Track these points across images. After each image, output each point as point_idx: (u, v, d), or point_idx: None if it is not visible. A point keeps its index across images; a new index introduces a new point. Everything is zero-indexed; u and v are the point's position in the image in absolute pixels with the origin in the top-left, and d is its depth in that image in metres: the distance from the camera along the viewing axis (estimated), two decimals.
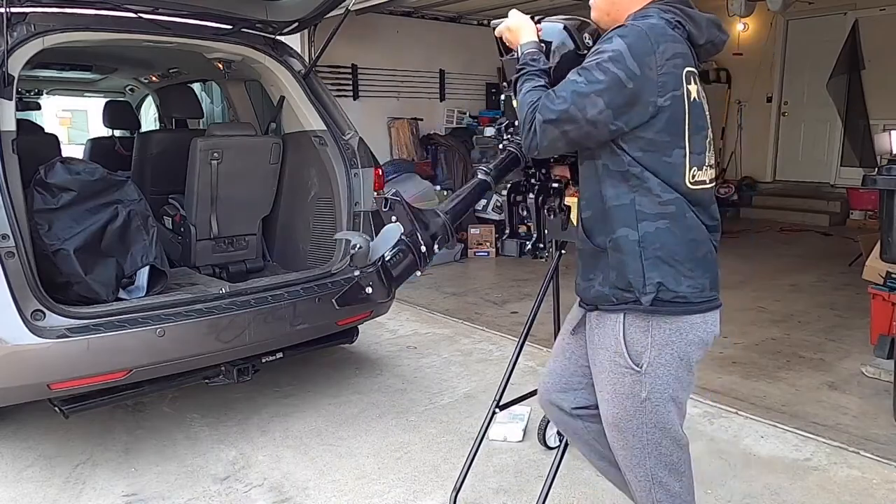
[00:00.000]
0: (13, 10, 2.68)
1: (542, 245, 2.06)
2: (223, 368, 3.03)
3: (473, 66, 8.04)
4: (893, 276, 3.72)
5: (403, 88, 7.46)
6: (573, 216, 2.04)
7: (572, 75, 1.60)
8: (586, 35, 1.82)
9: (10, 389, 2.59)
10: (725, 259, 7.26)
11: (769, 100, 9.75)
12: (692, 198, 1.63)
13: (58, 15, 2.85)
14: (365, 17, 6.59)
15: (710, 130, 1.69)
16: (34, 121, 5.84)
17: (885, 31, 8.28)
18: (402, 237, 1.70)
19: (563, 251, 2.68)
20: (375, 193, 3.53)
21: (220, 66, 3.98)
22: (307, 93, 3.56)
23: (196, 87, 5.23)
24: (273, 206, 4.00)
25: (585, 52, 1.72)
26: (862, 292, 4.22)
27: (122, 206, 3.12)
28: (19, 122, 2.73)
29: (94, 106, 7.38)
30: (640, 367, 1.67)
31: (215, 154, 3.55)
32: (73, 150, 6.33)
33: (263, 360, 3.12)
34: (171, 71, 4.84)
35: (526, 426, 3.12)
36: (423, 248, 1.74)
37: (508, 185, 2.06)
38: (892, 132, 6.29)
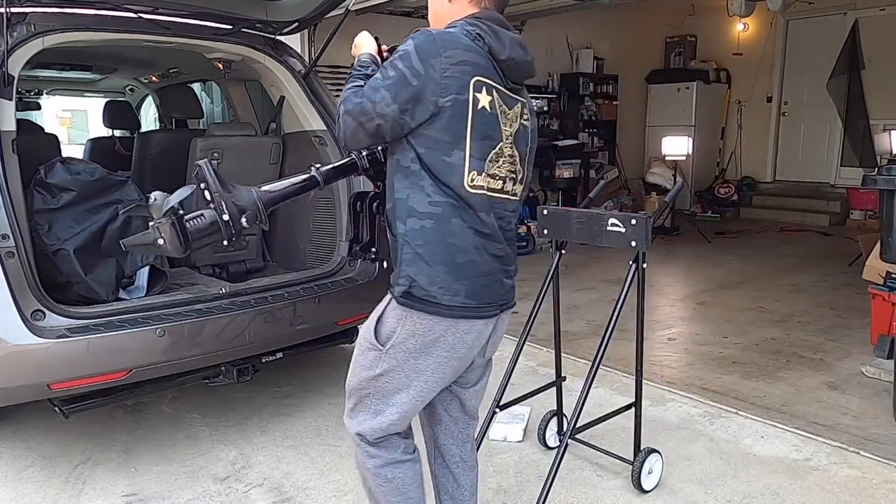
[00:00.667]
0: (13, 10, 2.68)
1: (358, 246, 2.13)
2: (223, 368, 3.03)
3: None
4: (893, 276, 3.72)
5: None
6: None
7: (376, 73, 1.73)
8: None
9: (10, 389, 2.58)
10: (725, 259, 7.32)
11: (769, 100, 9.75)
12: (468, 201, 1.70)
13: (58, 15, 2.85)
14: (365, 17, 6.59)
15: (507, 145, 1.75)
16: (34, 121, 5.83)
17: (885, 31, 8.28)
18: (208, 202, 1.77)
19: (563, 251, 2.68)
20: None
21: (220, 66, 3.98)
22: (307, 93, 3.56)
23: (196, 87, 5.23)
24: None
25: None
26: (862, 292, 4.22)
27: (122, 206, 3.12)
28: (19, 122, 2.73)
29: (94, 106, 7.37)
30: (383, 347, 1.76)
31: (215, 154, 3.55)
32: (73, 150, 6.33)
33: (263, 361, 3.11)
34: (171, 71, 4.84)
35: (526, 426, 3.12)
36: (227, 217, 1.77)
37: (354, 195, 2.13)
38: (892, 132, 6.32)
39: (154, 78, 5.22)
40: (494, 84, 1.70)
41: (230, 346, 2.91)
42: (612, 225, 2.44)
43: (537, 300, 2.64)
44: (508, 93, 1.75)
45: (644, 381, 2.70)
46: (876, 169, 3.87)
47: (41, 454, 2.98)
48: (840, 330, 4.57)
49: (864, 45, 8.41)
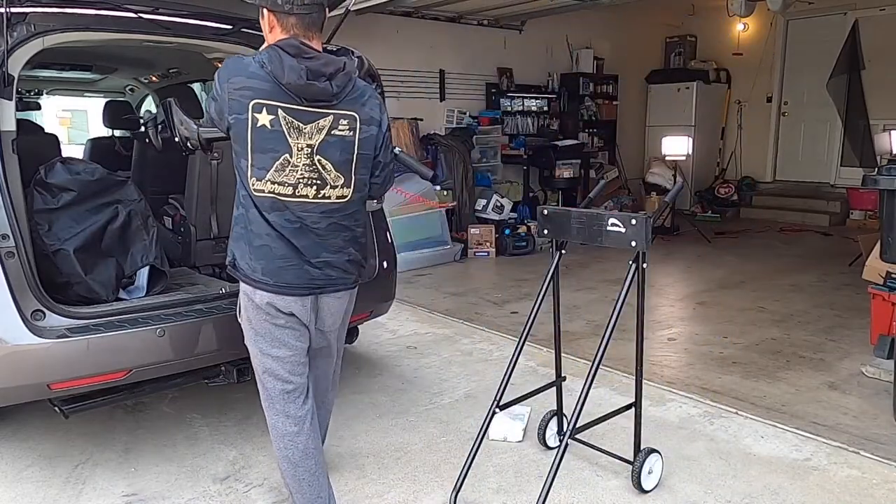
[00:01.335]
0: (13, 10, 2.67)
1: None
2: (223, 368, 3.02)
3: (473, 66, 8.04)
4: (893, 276, 3.72)
5: (403, 88, 7.46)
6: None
7: None
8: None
9: (10, 389, 2.58)
10: (725, 259, 7.33)
11: (769, 100, 9.76)
12: (255, 201, 2.11)
13: (58, 15, 2.84)
14: (365, 17, 6.59)
15: (301, 156, 2.08)
16: (34, 121, 5.83)
17: (885, 31, 8.28)
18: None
19: (563, 251, 2.68)
20: None
21: (221, 65, 3.97)
22: None
23: (196, 87, 5.22)
24: None
25: None
26: (862, 292, 4.22)
27: (122, 206, 3.11)
28: (19, 122, 2.73)
29: (94, 106, 7.37)
30: (241, 315, 2.29)
31: (215, 154, 3.55)
32: (73, 150, 6.32)
33: None
34: (171, 71, 4.83)
35: (526, 426, 3.12)
36: (178, 129, 2.45)
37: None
38: (892, 132, 6.32)
39: (154, 78, 5.21)
40: (279, 104, 2.03)
41: (230, 346, 2.91)
42: (612, 225, 2.44)
43: (537, 300, 2.64)
44: (308, 109, 2.06)
45: (644, 381, 2.70)
46: (876, 169, 3.86)
47: (41, 454, 2.98)
48: (840, 330, 4.57)
49: (864, 45, 8.41)
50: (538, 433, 2.97)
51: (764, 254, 7.14)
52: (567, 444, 2.38)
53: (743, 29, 9.64)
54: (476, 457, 2.57)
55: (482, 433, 2.59)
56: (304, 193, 2.11)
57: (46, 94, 6.18)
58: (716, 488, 2.67)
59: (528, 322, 2.65)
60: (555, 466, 2.34)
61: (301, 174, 2.09)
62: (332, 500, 2.39)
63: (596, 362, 2.42)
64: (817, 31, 9.12)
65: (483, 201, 7.43)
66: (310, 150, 2.09)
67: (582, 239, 2.56)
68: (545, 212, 2.68)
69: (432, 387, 3.70)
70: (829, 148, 9.27)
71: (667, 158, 8.99)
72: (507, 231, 7.27)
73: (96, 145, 5.28)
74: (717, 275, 6.25)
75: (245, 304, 2.24)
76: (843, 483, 2.70)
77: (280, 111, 2.03)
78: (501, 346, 4.32)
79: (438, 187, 7.18)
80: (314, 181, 2.11)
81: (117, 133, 5.31)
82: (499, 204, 7.42)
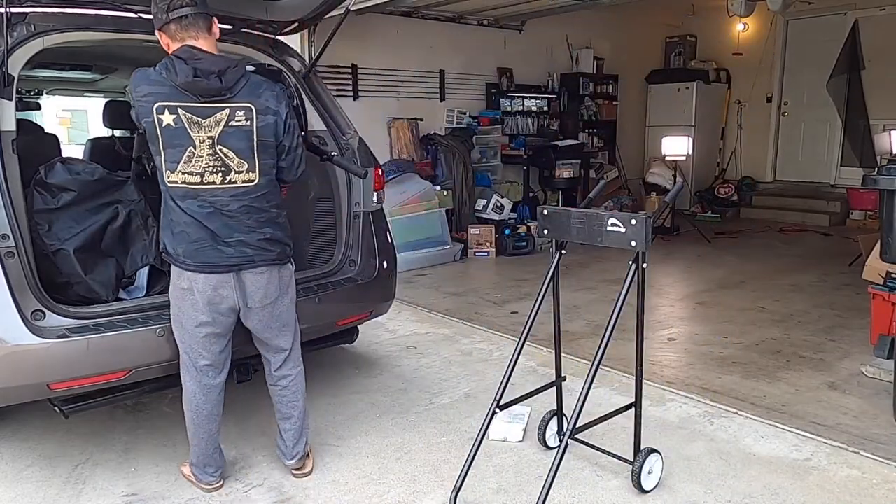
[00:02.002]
0: (13, 10, 2.67)
1: None
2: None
3: (473, 66, 8.04)
4: (893, 276, 3.72)
5: (403, 88, 7.45)
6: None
7: None
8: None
9: (10, 389, 2.58)
10: (725, 259, 7.33)
11: (769, 100, 9.76)
12: (170, 192, 2.40)
13: (58, 15, 2.84)
14: (365, 17, 6.59)
15: (204, 147, 2.35)
16: (34, 121, 5.82)
17: (885, 31, 8.28)
18: None
19: (563, 251, 2.68)
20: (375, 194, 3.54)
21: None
22: (307, 93, 3.56)
23: None
24: None
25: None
26: (862, 292, 4.22)
27: (122, 206, 3.12)
28: (19, 122, 2.72)
29: (94, 106, 7.37)
30: (169, 292, 2.54)
31: None
32: (73, 150, 6.32)
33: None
34: None
35: (526, 426, 3.12)
36: None
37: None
38: (892, 132, 6.32)
39: None
40: (178, 104, 2.31)
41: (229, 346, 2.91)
42: (612, 225, 2.44)
43: (537, 300, 2.64)
44: (204, 105, 2.34)
45: (644, 381, 2.70)
46: (876, 169, 3.86)
47: (41, 454, 2.98)
48: (840, 330, 4.57)
49: (864, 45, 8.40)
50: (538, 433, 2.97)
51: (764, 254, 7.14)
52: (567, 444, 2.38)
53: (743, 29, 9.64)
54: (476, 457, 2.57)
55: (482, 433, 2.59)
56: (212, 180, 2.37)
57: (46, 94, 6.18)
58: (716, 488, 2.67)
59: (528, 322, 2.65)
60: (555, 466, 2.34)
61: (206, 163, 2.36)
62: (221, 453, 2.73)
63: (596, 362, 2.42)
64: (817, 31, 9.12)
65: (483, 201, 7.43)
66: (211, 141, 2.36)
67: (582, 239, 2.56)
68: (545, 212, 2.68)
69: (432, 387, 3.70)
70: (829, 148, 9.27)
71: (667, 158, 8.99)
72: (507, 231, 7.27)
73: (96, 145, 5.28)
74: (717, 275, 6.25)
75: (172, 284, 2.52)
76: (843, 483, 2.70)
77: (180, 110, 2.32)
78: (501, 346, 4.32)
79: (438, 187, 7.18)
80: (219, 168, 2.38)
81: (117, 133, 5.30)
82: (499, 204, 7.42)
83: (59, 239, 2.90)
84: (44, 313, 2.54)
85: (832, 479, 2.74)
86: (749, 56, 9.62)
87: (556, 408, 2.93)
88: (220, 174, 2.38)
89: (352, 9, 3.56)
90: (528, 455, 2.94)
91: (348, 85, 7.01)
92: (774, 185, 9.86)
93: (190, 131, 2.34)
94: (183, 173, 2.36)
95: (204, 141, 2.36)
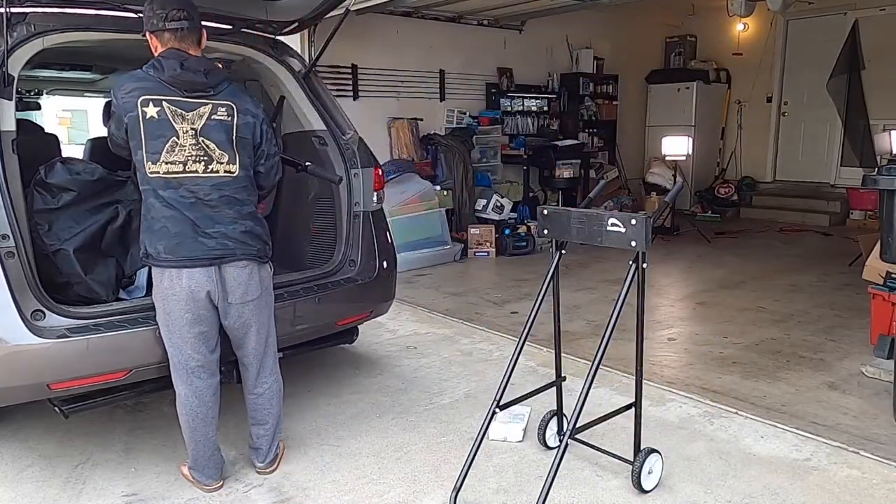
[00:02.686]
0: (13, 10, 2.67)
1: None
2: (223, 368, 3.01)
3: (473, 67, 8.04)
4: (893, 276, 3.72)
5: (403, 88, 7.45)
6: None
7: None
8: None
9: (10, 389, 2.58)
10: (725, 259, 7.32)
11: (769, 100, 9.76)
12: (151, 184, 2.43)
13: (58, 15, 2.84)
14: (365, 17, 6.59)
15: (187, 137, 2.43)
16: (34, 121, 5.82)
17: (885, 31, 8.28)
18: None
19: (563, 251, 2.68)
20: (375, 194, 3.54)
21: (220, 66, 3.97)
22: (307, 93, 3.56)
23: None
24: (273, 206, 3.99)
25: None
26: (862, 292, 4.22)
27: (122, 206, 3.12)
28: (19, 122, 2.72)
29: (94, 106, 7.37)
30: (153, 297, 2.56)
31: None
32: (73, 150, 6.32)
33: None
34: None
35: (526, 426, 3.12)
36: None
37: None
38: (892, 132, 6.32)
39: None
40: (163, 97, 2.41)
41: (229, 346, 2.90)
42: (612, 225, 2.44)
43: (537, 300, 2.64)
44: (188, 100, 2.44)
45: (644, 381, 2.70)
46: (876, 169, 3.86)
47: (41, 454, 2.98)
48: (840, 330, 4.57)
49: (864, 45, 8.40)
50: (538, 433, 2.97)
51: (764, 254, 7.14)
52: (567, 444, 2.38)
53: (743, 29, 9.64)
54: (476, 457, 2.57)
55: (482, 433, 2.59)
56: (194, 169, 2.44)
57: (46, 94, 6.18)
58: (716, 488, 2.67)
59: (528, 322, 2.65)
60: (555, 466, 2.34)
61: (189, 153, 2.43)
62: (221, 453, 2.75)
63: (596, 362, 2.42)
64: (817, 31, 9.12)
65: (483, 201, 7.43)
66: (194, 132, 2.44)
67: (582, 239, 2.56)
68: (545, 212, 2.68)
69: (432, 387, 3.70)
70: (829, 148, 9.27)
71: (667, 158, 8.99)
72: (507, 231, 7.27)
73: (96, 145, 5.26)
74: (717, 275, 6.25)
75: (154, 288, 2.53)
76: (843, 483, 2.70)
77: (164, 103, 2.41)
78: (501, 346, 4.32)
79: (438, 187, 7.18)
80: (201, 158, 2.45)
81: None
82: (499, 204, 7.42)
83: (59, 239, 2.90)
84: (44, 313, 2.54)
85: (832, 479, 2.74)
86: (749, 56, 9.62)
87: (556, 408, 2.93)
88: (203, 163, 2.45)
89: (352, 9, 3.56)
90: (528, 455, 2.94)
91: (348, 85, 7.01)
92: (774, 185, 9.86)
93: (174, 122, 2.42)
94: (166, 163, 2.42)
95: (187, 132, 2.44)
